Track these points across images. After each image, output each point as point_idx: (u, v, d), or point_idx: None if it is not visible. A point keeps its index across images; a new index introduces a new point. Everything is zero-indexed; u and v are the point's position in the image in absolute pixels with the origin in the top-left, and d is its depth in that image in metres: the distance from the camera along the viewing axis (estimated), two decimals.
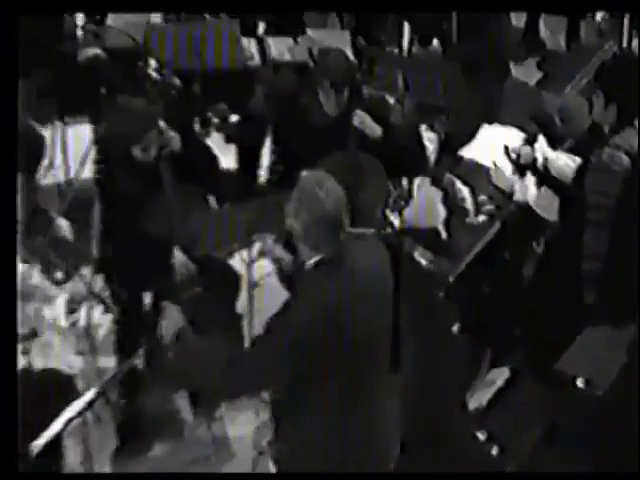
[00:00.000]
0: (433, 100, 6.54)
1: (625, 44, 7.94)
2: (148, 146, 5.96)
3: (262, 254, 5.44)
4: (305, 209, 3.81)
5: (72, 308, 5.10)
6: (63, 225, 5.14)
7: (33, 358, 4.87)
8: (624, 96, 5.68)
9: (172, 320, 3.99)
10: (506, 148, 5.95)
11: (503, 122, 6.56)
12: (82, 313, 5.06)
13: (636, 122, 5.75)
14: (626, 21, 7.94)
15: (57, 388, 4.89)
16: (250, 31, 7.42)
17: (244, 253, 5.63)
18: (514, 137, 6.35)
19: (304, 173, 3.89)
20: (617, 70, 6.15)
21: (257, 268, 5.59)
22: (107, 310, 5.28)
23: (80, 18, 7.51)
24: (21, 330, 4.78)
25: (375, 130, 6.28)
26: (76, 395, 3.98)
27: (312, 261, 3.86)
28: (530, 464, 5.16)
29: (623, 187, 5.48)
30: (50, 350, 5.05)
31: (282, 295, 5.28)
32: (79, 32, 7.55)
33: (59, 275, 4.95)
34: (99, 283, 5.17)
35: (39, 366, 4.96)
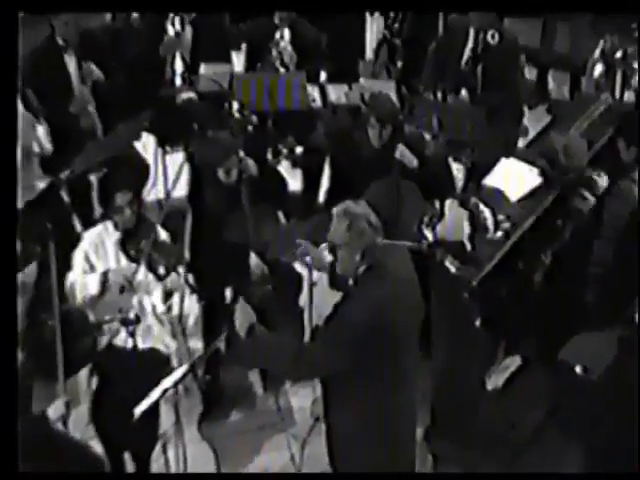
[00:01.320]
0: (461, 137, 6.49)
1: (618, 96, 7.83)
2: (230, 171, 6.00)
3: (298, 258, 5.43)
4: (350, 230, 3.78)
5: (168, 299, 5.10)
6: (162, 232, 5.16)
7: (138, 340, 4.87)
8: None
9: (245, 316, 3.95)
10: None
11: (518, 156, 6.51)
12: (176, 303, 5.06)
13: None
14: (619, 77, 7.84)
15: (156, 364, 4.91)
16: (313, 79, 7.41)
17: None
18: (526, 169, 6.33)
19: (347, 202, 3.86)
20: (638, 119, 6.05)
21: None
22: (196, 301, 5.31)
23: (179, 67, 7.59)
24: (128, 316, 4.78)
25: (413, 161, 6.26)
26: (171, 370, 3.99)
27: (360, 269, 3.83)
28: (536, 437, 5.09)
29: (632, 212, 5.45)
30: (151, 333, 5.05)
31: (332, 293, 5.25)
32: (177, 80, 7.63)
33: (160, 271, 4.95)
34: (190, 280, 5.18)
35: (142, 346, 4.97)
